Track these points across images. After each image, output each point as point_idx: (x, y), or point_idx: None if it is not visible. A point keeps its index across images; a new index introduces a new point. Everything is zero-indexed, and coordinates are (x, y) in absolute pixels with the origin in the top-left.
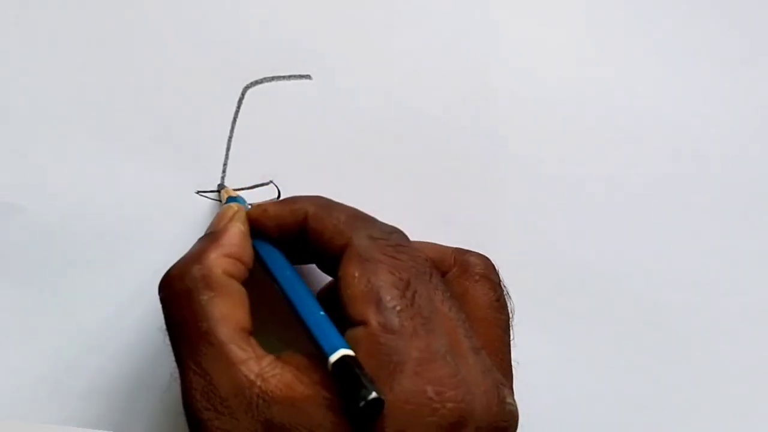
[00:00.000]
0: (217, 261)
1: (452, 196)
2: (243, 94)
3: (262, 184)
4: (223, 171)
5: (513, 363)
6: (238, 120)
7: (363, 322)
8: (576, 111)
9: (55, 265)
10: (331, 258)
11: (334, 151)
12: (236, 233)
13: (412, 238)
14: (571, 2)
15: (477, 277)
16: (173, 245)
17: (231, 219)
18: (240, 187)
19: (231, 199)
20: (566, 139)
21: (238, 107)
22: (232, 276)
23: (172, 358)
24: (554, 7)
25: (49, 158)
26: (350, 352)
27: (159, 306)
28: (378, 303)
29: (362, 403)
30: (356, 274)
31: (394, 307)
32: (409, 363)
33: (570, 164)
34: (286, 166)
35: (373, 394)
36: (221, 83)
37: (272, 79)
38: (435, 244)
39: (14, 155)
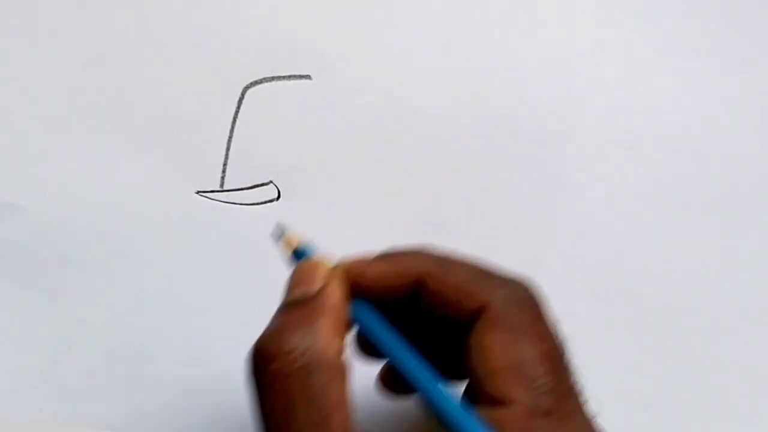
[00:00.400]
0: (332, 337)
1: (452, 196)
2: (243, 95)
3: (262, 184)
4: (223, 171)
5: None
6: (238, 120)
7: (507, 402)
8: (575, 111)
9: (54, 265)
10: (454, 323)
11: (334, 150)
12: (338, 297)
13: (412, 238)
14: (571, 2)
15: (543, 309)
16: (173, 245)
17: (330, 282)
18: (240, 186)
19: (300, 252)
20: (566, 139)
21: (238, 107)
22: (340, 353)
23: (172, 354)
24: (554, 7)
25: (49, 158)
26: None
27: (158, 305)
28: (527, 380)
29: None
30: (500, 344)
31: (542, 386)
32: None
33: (570, 164)
34: (285, 166)
35: None
36: (221, 83)
37: (272, 79)
38: None
39: (14, 155)
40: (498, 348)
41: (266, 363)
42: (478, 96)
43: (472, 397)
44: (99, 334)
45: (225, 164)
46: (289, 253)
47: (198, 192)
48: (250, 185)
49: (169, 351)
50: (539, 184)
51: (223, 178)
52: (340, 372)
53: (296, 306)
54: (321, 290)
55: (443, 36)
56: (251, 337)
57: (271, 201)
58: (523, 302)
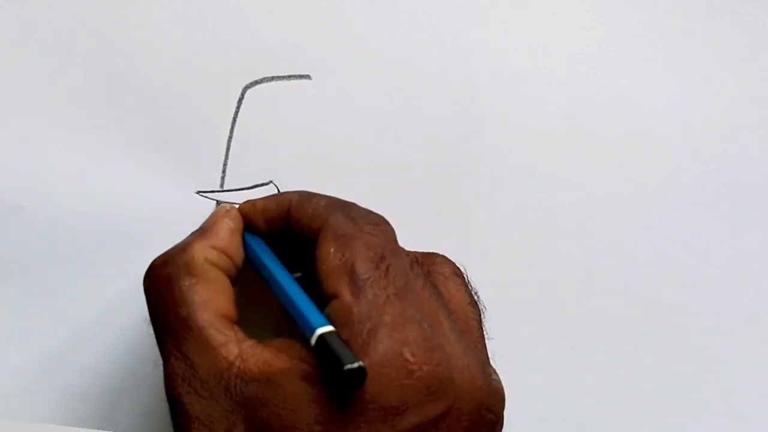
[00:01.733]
0: (201, 250)
1: (452, 196)
2: (243, 94)
3: (262, 184)
4: (223, 171)
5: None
6: (238, 120)
7: (336, 295)
8: (575, 111)
9: (54, 266)
10: (313, 244)
11: (334, 150)
12: (224, 228)
13: (412, 238)
14: (571, 2)
15: (447, 274)
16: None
17: (221, 216)
18: (240, 187)
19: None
20: (565, 139)
21: (238, 107)
22: (215, 265)
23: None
24: (554, 7)
25: (49, 159)
26: (330, 329)
27: None
28: (351, 275)
29: (345, 369)
30: (331, 250)
31: (367, 278)
32: (382, 328)
33: (570, 164)
34: (286, 166)
35: (355, 364)
36: (221, 83)
37: (272, 79)
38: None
39: (14, 155)
40: (330, 253)
41: (150, 275)
42: (478, 96)
43: (323, 301)
44: (100, 334)
45: (225, 164)
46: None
47: (198, 192)
48: (250, 185)
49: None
50: (538, 184)
51: (223, 178)
52: (210, 278)
53: (189, 235)
54: (212, 222)
55: (443, 36)
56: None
57: None
58: (360, 219)
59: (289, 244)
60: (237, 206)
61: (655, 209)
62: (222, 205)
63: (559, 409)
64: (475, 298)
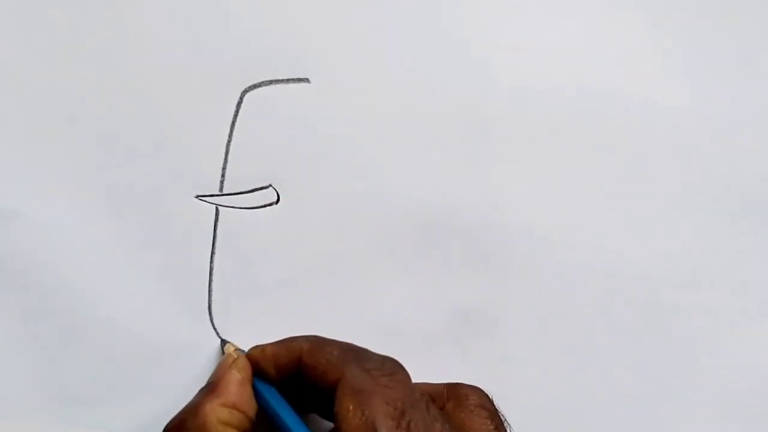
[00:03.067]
0: (212, 411)
1: (451, 196)
2: (241, 98)
3: (261, 188)
4: (222, 175)
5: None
6: (236, 124)
7: None
8: (574, 111)
9: (54, 270)
10: (327, 396)
11: (333, 154)
12: (232, 381)
13: (414, 240)
14: (571, 2)
15: (472, 408)
16: (172, 249)
17: (228, 367)
18: (239, 191)
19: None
20: (565, 139)
21: (237, 111)
22: (229, 425)
23: (172, 358)
24: (555, 8)
25: (47, 164)
26: None
27: (157, 309)
28: None
29: None
30: (350, 407)
31: None
32: None
33: (569, 164)
34: (285, 170)
35: None
36: (220, 87)
37: (270, 82)
38: (426, 382)
39: (12, 161)
40: (349, 411)
41: None
42: (477, 98)
43: None
44: (99, 338)
45: (224, 168)
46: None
47: (197, 196)
48: (249, 189)
49: (169, 355)
50: (538, 184)
51: (222, 182)
52: None
53: (199, 392)
54: (219, 376)
55: (443, 38)
56: (253, 339)
57: (270, 205)
58: (376, 370)
59: (300, 387)
60: (244, 353)
61: (654, 209)
62: (228, 353)
63: (559, 408)
64: (505, 427)
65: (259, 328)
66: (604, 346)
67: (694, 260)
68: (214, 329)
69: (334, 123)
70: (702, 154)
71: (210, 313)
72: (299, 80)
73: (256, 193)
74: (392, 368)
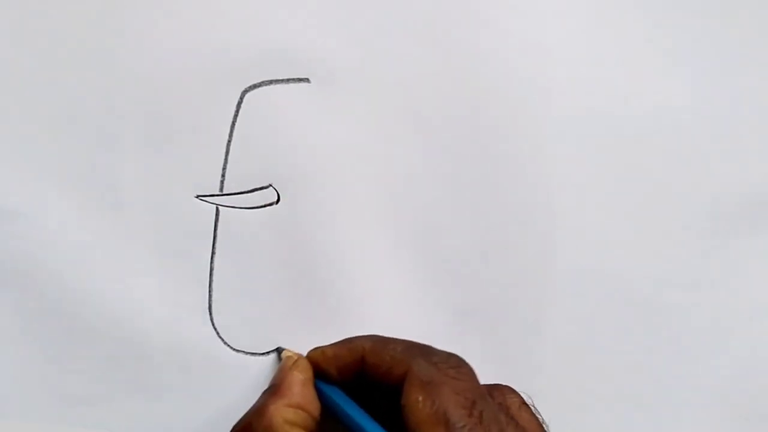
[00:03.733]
0: (277, 412)
1: (452, 197)
2: (242, 98)
3: (262, 188)
4: (223, 175)
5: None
6: (237, 124)
7: None
8: (574, 111)
9: (53, 270)
10: (393, 391)
11: (334, 153)
12: (296, 382)
13: (414, 239)
14: (570, 2)
15: (518, 405)
16: (172, 249)
17: (290, 369)
18: (240, 190)
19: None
20: (565, 138)
21: (237, 111)
22: (295, 425)
23: (173, 358)
24: (554, 8)
25: (47, 164)
26: None
27: (157, 309)
28: (446, 424)
29: None
30: (420, 398)
31: (463, 426)
32: None
33: (569, 164)
34: (285, 170)
35: None
36: (220, 87)
37: (271, 82)
38: None
39: (12, 161)
40: (418, 402)
41: None
42: (477, 98)
43: None
44: (100, 338)
45: (224, 168)
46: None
47: (197, 196)
48: (249, 189)
49: (169, 354)
50: (539, 185)
51: (222, 182)
52: None
53: (263, 394)
54: (282, 377)
55: (442, 38)
56: (253, 340)
57: (270, 204)
58: (442, 363)
59: (361, 388)
60: (304, 355)
61: (654, 208)
62: (287, 355)
63: (559, 408)
64: (544, 427)
65: (259, 328)
66: (604, 346)
67: (694, 260)
68: (215, 329)
69: (334, 123)
70: (702, 154)
71: (210, 313)
72: (299, 80)
73: (256, 193)
74: (458, 362)
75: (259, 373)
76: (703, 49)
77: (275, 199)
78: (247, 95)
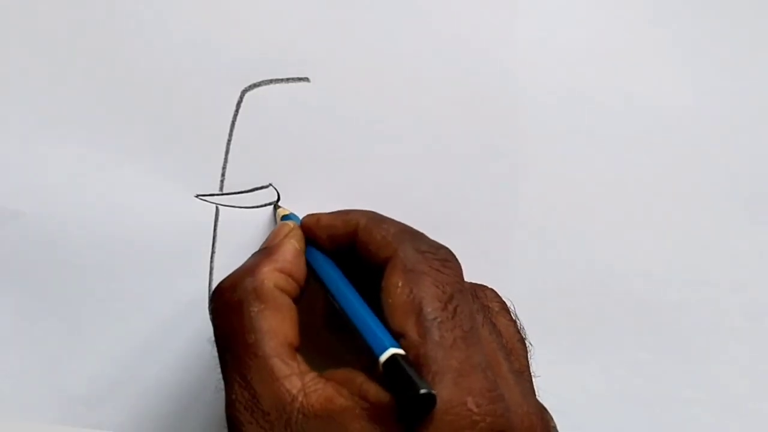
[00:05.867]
0: (270, 274)
1: (450, 196)
2: (241, 97)
3: (262, 187)
4: (223, 174)
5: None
6: (236, 123)
7: (401, 334)
8: (574, 111)
9: (55, 270)
10: (377, 272)
11: (333, 153)
12: (290, 249)
13: None
14: (570, 2)
15: (497, 309)
16: (172, 249)
17: (286, 236)
18: (239, 190)
19: (286, 217)
20: (565, 139)
21: (237, 110)
22: (283, 290)
23: (173, 358)
24: (554, 8)
25: (48, 162)
26: (401, 351)
27: (158, 309)
28: (419, 314)
29: (421, 393)
30: (399, 284)
31: (434, 319)
32: (448, 374)
33: (569, 164)
34: (285, 169)
35: (429, 390)
36: (220, 86)
37: (270, 82)
38: None
39: (13, 160)
40: (397, 287)
41: (218, 297)
42: (476, 96)
43: None
44: (100, 337)
45: (224, 167)
46: (279, 220)
47: (197, 195)
48: (249, 188)
49: (170, 354)
50: (538, 182)
51: (222, 181)
52: (279, 305)
53: (255, 254)
54: (278, 243)
55: (441, 37)
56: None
57: (270, 204)
58: (429, 253)
59: (349, 262)
60: (298, 221)
61: (654, 208)
62: (284, 222)
63: (559, 408)
64: (522, 333)
65: None
66: (604, 346)
67: (694, 260)
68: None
69: (334, 121)
70: (702, 154)
71: (210, 314)
72: (299, 80)
73: (256, 192)
74: (446, 254)
75: None
76: (703, 49)
77: (275, 197)
78: (247, 95)
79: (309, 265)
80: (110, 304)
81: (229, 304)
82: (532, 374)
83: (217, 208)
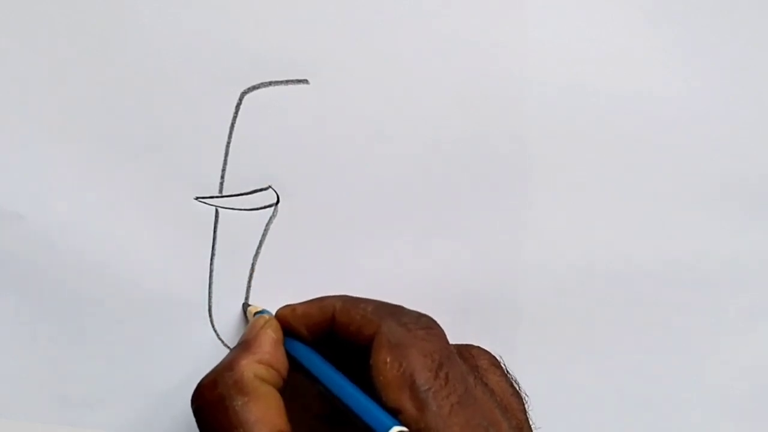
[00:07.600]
0: (249, 366)
1: (450, 198)
2: (240, 100)
3: (261, 189)
4: (222, 177)
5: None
6: (236, 125)
7: (398, 410)
8: (573, 111)
9: (54, 272)
10: (361, 353)
11: (333, 154)
12: (267, 340)
13: (410, 241)
14: (570, 1)
15: (486, 366)
16: (172, 251)
17: (262, 327)
18: (239, 192)
19: (258, 313)
20: (564, 139)
21: (236, 112)
22: (265, 380)
23: (172, 360)
24: (554, 8)
25: (48, 166)
26: (403, 428)
27: (158, 311)
28: (412, 386)
29: None
30: (388, 360)
31: (428, 389)
32: None
33: (569, 163)
34: (284, 171)
35: None
36: (219, 89)
37: (269, 84)
38: None
39: (12, 163)
40: (386, 363)
41: (200, 396)
42: (475, 98)
43: None
44: (99, 339)
45: (224, 170)
46: (251, 317)
47: (197, 198)
48: (249, 190)
49: (169, 355)
50: (538, 183)
51: (221, 183)
52: (262, 395)
53: (233, 349)
54: (254, 335)
55: (441, 39)
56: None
57: (270, 206)
58: (412, 324)
59: (331, 348)
60: (274, 314)
61: (654, 208)
62: (260, 315)
63: (560, 408)
64: (516, 387)
65: None
66: (605, 346)
67: (695, 260)
68: (214, 330)
69: (334, 123)
70: (702, 153)
71: (210, 315)
72: (298, 81)
73: (255, 194)
74: (428, 323)
75: None
76: (702, 48)
77: (275, 200)
78: (246, 96)
79: (291, 356)
80: (110, 306)
81: (211, 402)
82: (531, 427)
83: (216, 210)
